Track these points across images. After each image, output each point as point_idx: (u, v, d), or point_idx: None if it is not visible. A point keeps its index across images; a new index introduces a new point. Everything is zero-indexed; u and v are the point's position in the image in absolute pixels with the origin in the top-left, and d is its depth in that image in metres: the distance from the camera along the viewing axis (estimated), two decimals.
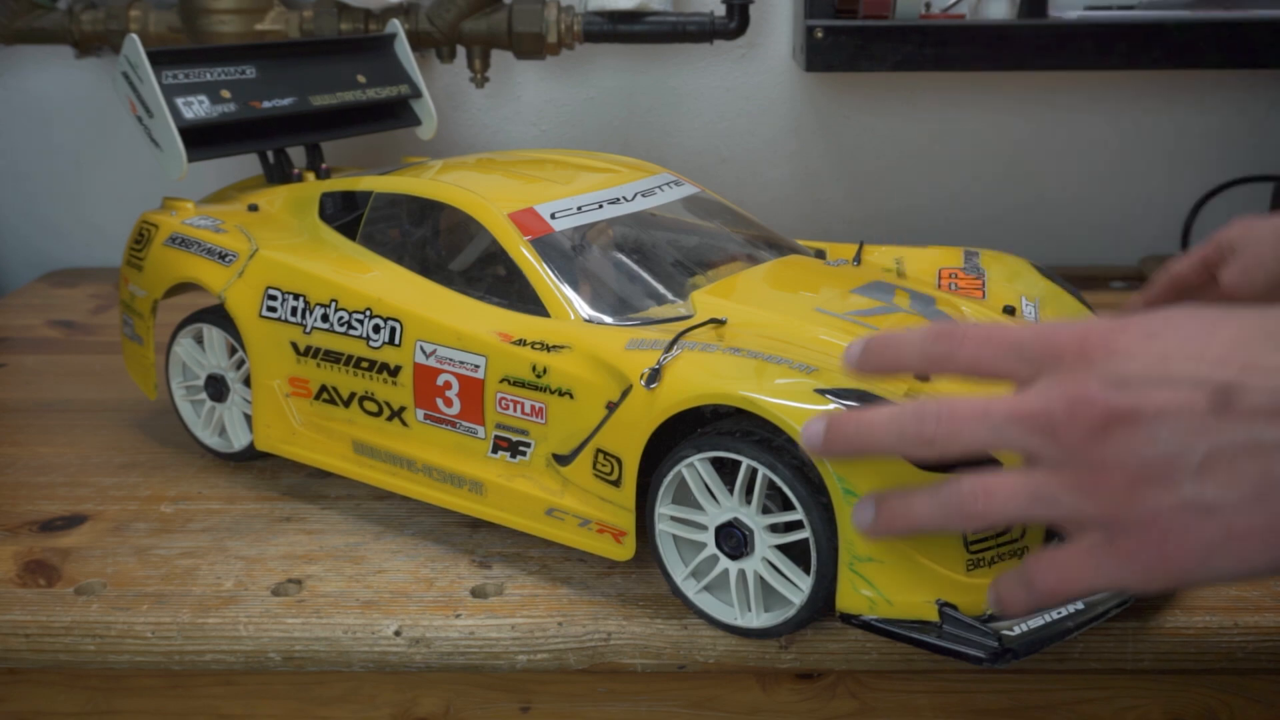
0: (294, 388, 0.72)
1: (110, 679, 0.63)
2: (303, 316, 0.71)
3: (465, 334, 0.65)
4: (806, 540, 0.54)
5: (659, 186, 0.75)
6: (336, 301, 0.70)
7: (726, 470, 0.57)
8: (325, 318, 0.70)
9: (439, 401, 0.66)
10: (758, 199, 1.20)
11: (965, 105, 1.19)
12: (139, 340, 0.80)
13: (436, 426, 0.67)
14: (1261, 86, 1.17)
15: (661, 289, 0.67)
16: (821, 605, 0.55)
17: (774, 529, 0.56)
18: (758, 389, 0.54)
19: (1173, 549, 0.43)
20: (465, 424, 0.65)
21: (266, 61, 0.86)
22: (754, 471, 0.55)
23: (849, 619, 0.55)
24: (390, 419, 0.69)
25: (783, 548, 0.56)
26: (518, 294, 0.66)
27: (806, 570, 0.55)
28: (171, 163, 0.80)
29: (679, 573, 0.59)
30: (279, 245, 0.75)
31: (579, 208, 0.70)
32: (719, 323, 0.62)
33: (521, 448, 0.64)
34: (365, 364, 0.69)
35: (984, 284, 0.72)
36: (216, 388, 0.76)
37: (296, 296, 0.71)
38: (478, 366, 0.64)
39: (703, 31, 1.08)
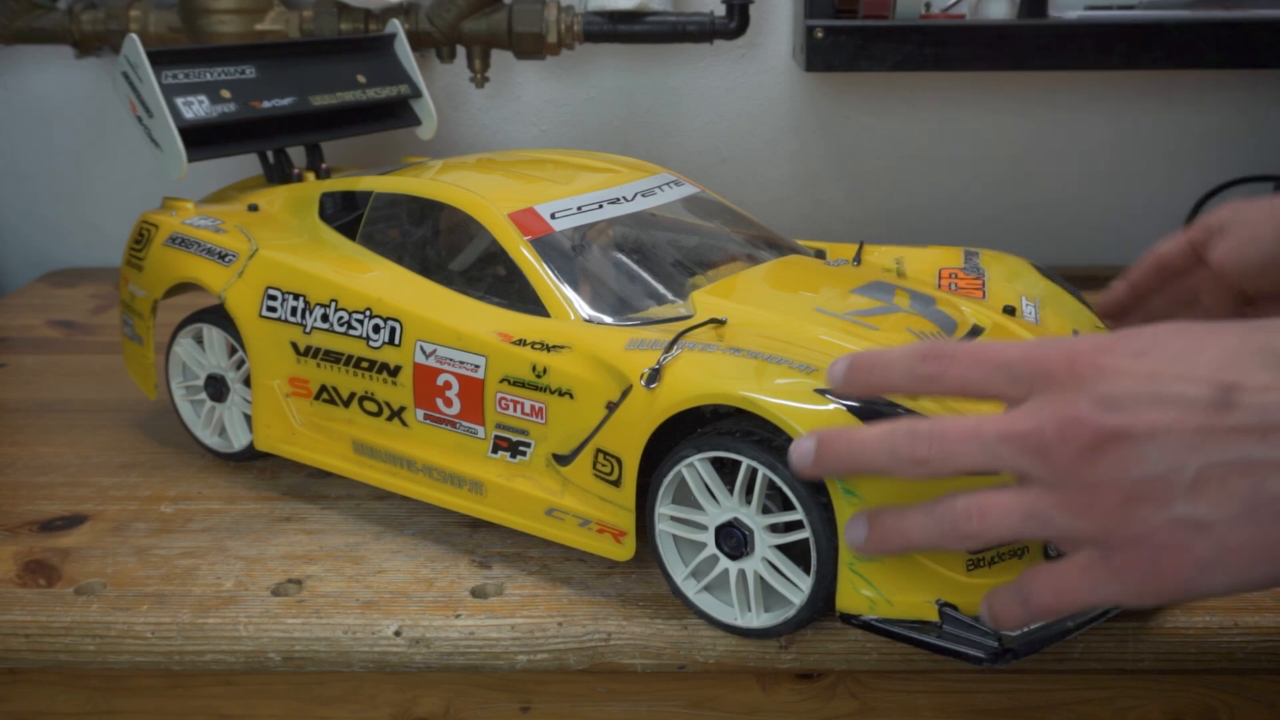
0: (294, 388, 0.72)
1: (110, 679, 0.63)
2: (303, 316, 0.71)
3: (465, 334, 0.65)
4: (806, 540, 0.54)
5: (659, 186, 0.75)
6: (336, 301, 0.70)
7: (726, 470, 0.57)
8: (325, 318, 0.70)
9: (439, 401, 0.66)
10: (758, 199, 1.20)
11: (965, 105, 1.19)
12: (139, 340, 0.80)
13: (436, 426, 0.67)
14: (1261, 86, 1.17)
15: (661, 289, 0.67)
16: (821, 605, 0.55)
17: (774, 529, 0.56)
18: (758, 389, 0.54)
19: (1167, 565, 0.44)
20: (465, 424, 0.65)
21: (266, 61, 0.86)
22: (754, 471, 0.55)
23: (849, 619, 0.55)
24: (390, 419, 0.69)
25: (783, 548, 0.56)
26: (518, 294, 0.66)
27: (806, 570, 0.55)
28: (171, 163, 0.80)
29: (679, 573, 0.59)
30: (279, 245, 0.75)
31: (579, 208, 0.70)
32: (719, 323, 0.62)
33: (521, 448, 0.64)
34: (365, 364, 0.69)
35: (984, 284, 0.72)
36: (216, 388, 0.76)
37: (296, 296, 0.71)
38: (478, 366, 0.64)
39: (703, 31, 1.08)
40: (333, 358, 0.70)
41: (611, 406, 0.59)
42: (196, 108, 0.81)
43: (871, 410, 0.53)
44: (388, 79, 0.92)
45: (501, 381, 0.63)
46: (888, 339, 0.61)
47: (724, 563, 0.57)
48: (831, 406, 0.53)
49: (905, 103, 1.19)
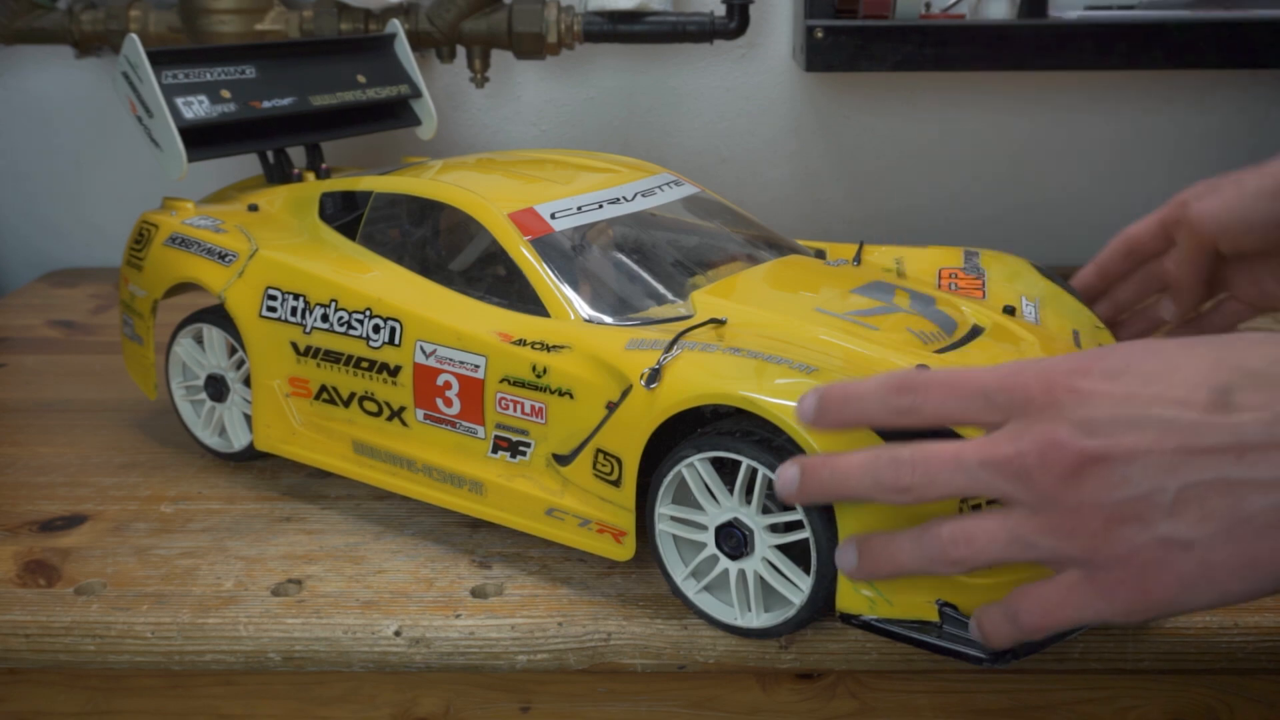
0: (294, 388, 0.72)
1: (110, 679, 0.63)
2: (303, 316, 0.71)
3: (465, 334, 0.65)
4: (806, 540, 0.54)
5: (659, 186, 0.75)
6: (336, 301, 0.70)
7: (726, 470, 0.57)
8: (325, 318, 0.70)
9: (439, 401, 0.66)
10: (758, 199, 1.20)
11: (965, 105, 1.19)
12: (139, 340, 0.80)
13: (436, 426, 0.67)
14: (1261, 86, 1.17)
15: (661, 289, 0.67)
16: (821, 605, 0.55)
17: (774, 529, 0.56)
18: (758, 389, 0.54)
19: (1152, 583, 0.45)
20: (465, 424, 0.65)
21: (266, 61, 0.86)
22: (754, 471, 0.55)
23: (849, 619, 0.55)
24: (390, 419, 0.69)
25: (783, 548, 0.56)
26: (518, 294, 0.66)
27: (806, 570, 0.55)
28: (171, 163, 0.80)
29: (679, 573, 0.59)
30: (279, 245, 0.75)
31: (579, 208, 0.70)
32: (719, 323, 0.62)
33: (521, 448, 0.64)
34: (365, 364, 0.69)
35: (984, 284, 0.72)
36: (216, 388, 0.76)
37: (296, 296, 0.71)
38: (478, 366, 0.64)
39: (703, 31, 1.08)
40: (333, 358, 0.70)
41: (611, 406, 0.59)
42: (196, 108, 0.81)
43: None
44: (388, 79, 0.92)
45: (501, 381, 0.63)
46: (888, 339, 0.61)
47: (724, 563, 0.57)
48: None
49: (905, 103, 1.19)
